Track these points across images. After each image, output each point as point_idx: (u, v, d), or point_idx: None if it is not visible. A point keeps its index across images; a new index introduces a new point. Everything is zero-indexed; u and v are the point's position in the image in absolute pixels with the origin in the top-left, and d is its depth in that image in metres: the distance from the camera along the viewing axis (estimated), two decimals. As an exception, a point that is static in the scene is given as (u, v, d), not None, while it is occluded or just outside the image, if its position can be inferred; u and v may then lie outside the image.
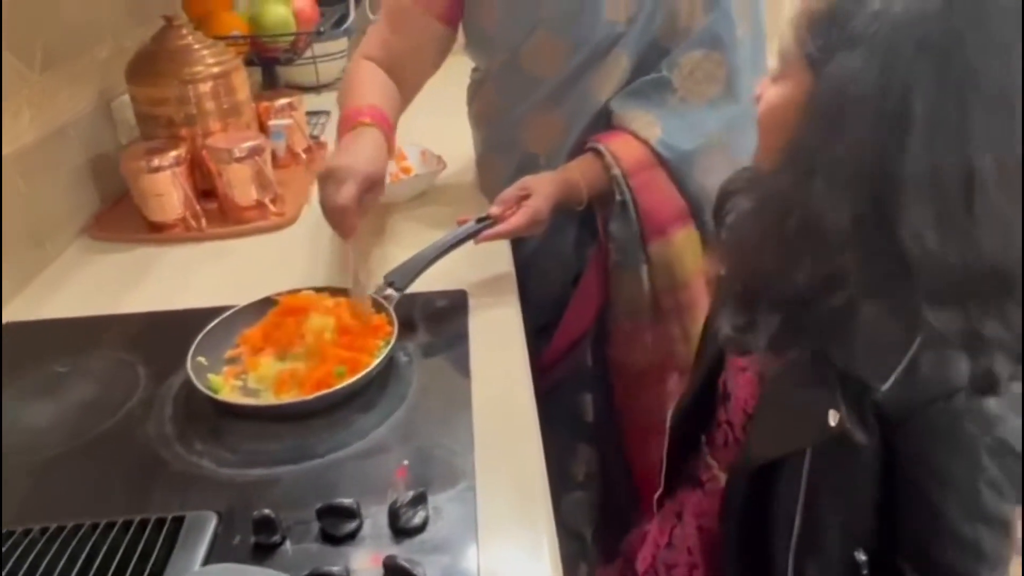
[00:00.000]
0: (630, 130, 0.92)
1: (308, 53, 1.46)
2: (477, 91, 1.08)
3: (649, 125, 0.92)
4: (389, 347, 0.71)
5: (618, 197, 0.92)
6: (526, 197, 0.87)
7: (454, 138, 1.17)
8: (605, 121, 0.95)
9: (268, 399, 0.70)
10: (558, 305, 1.06)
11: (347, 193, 0.76)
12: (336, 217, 0.78)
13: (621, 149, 0.92)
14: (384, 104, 0.91)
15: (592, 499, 1.23)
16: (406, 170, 1.19)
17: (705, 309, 0.99)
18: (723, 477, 0.73)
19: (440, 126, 1.19)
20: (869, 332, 0.54)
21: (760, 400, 0.66)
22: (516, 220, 0.86)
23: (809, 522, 0.60)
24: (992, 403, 0.56)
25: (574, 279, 1.05)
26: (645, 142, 0.91)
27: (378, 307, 0.78)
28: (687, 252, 0.95)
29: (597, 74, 0.94)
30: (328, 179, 0.78)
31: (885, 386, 0.54)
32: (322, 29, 1.44)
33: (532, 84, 0.97)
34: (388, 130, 0.88)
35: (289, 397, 0.69)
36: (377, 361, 0.70)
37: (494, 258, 0.95)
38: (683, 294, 0.96)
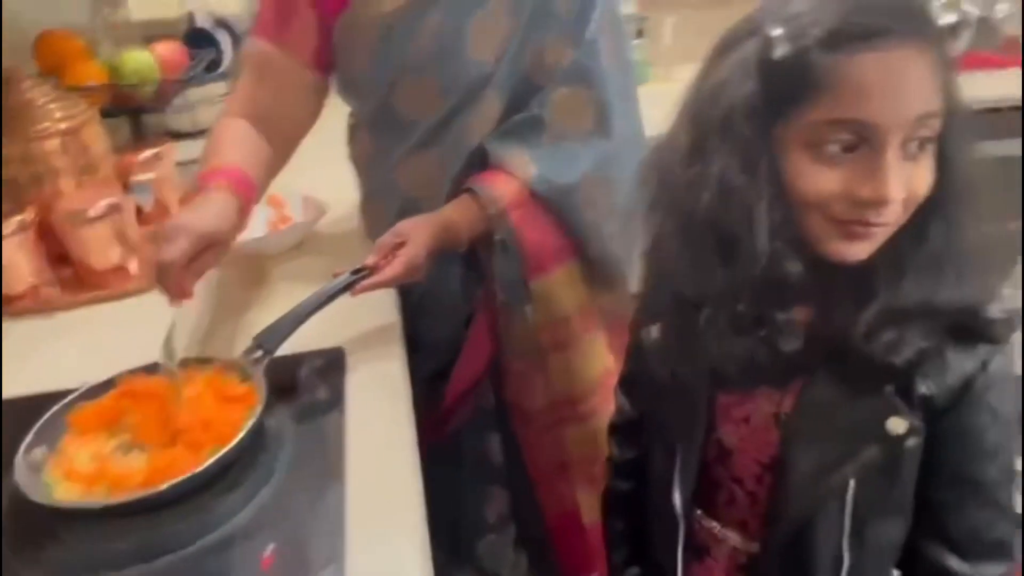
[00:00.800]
0: (506, 169, 0.91)
1: (181, 99, 1.39)
2: (354, 135, 1.05)
3: (524, 163, 0.91)
4: (253, 419, 0.66)
5: (498, 236, 0.90)
6: (402, 244, 0.84)
7: (341, 181, 1.13)
8: (482, 161, 0.94)
9: (109, 496, 0.62)
10: (453, 348, 1.03)
11: (175, 250, 0.71)
12: (160, 276, 0.73)
13: (498, 188, 0.90)
14: (247, 163, 0.87)
15: (507, 540, 1.21)
16: (285, 219, 1.13)
17: (586, 346, 0.99)
18: (734, 536, 0.68)
19: (326, 169, 1.15)
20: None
21: (786, 440, 0.61)
22: (392, 269, 0.82)
23: (858, 551, 0.60)
24: (1015, 367, 0.59)
25: (467, 321, 1.02)
26: (521, 180, 0.90)
27: (245, 374, 0.73)
28: (567, 288, 0.95)
29: (470, 115, 0.92)
30: (159, 236, 0.73)
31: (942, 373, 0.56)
32: (192, 74, 1.37)
33: (406, 128, 0.95)
34: (245, 190, 0.84)
35: (135, 490, 0.62)
36: (238, 438, 0.64)
37: (377, 308, 0.91)
38: (562, 331, 0.95)
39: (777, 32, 0.52)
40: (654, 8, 2.01)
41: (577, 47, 0.89)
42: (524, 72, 0.91)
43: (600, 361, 1.02)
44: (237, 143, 0.90)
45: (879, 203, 0.51)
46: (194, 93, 1.46)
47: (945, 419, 0.58)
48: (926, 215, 0.55)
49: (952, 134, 0.54)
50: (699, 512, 0.69)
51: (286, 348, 0.77)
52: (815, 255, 0.55)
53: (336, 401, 0.74)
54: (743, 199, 0.54)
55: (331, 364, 0.80)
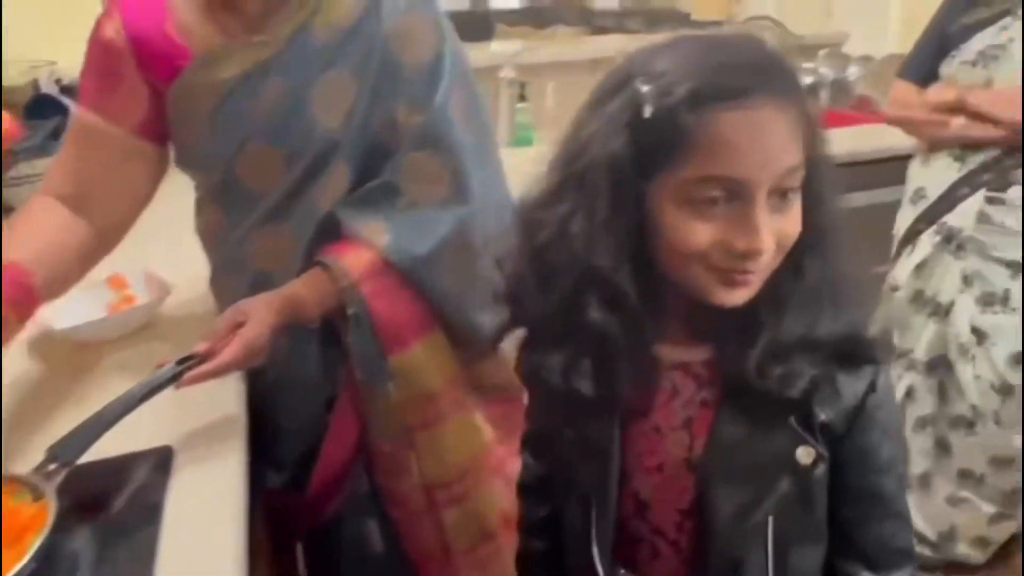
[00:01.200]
0: (359, 239, 0.86)
1: (14, 172, 1.27)
2: (200, 207, 0.98)
3: (378, 232, 0.86)
4: (36, 545, 0.56)
5: (351, 311, 0.84)
6: (240, 325, 0.77)
7: (189, 257, 1.04)
8: (336, 232, 0.88)
9: None
10: (316, 432, 0.95)
11: None
12: None
13: (349, 260, 0.85)
14: (39, 258, 0.78)
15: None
16: (129, 299, 1.03)
17: (457, 422, 0.94)
18: None
19: (172, 243, 1.06)
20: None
21: (702, 483, 0.62)
22: (227, 354, 0.74)
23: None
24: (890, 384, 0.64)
25: (328, 402, 0.95)
26: (375, 250, 0.85)
27: (37, 491, 0.62)
28: (431, 362, 0.89)
29: (319, 184, 0.87)
30: None
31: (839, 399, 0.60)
32: (28, 145, 1.26)
33: (252, 199, 0.89)
34: (21, 295, 0.75)
35: None
36: (16, 569, 0.54)
37: (218, 398, 0.82)
38: (428, 408, 0.90)
39: (645, 90, 0.53)
40: (534, 73, 2.06)
41: (427, 111, 0.86)
42: (374, 138, 0.87)
43: (474, 437, 0.97)
44: (34, 233, 0.81)
45: (753, 254, 0.54)
46: (37, 164, 1.35)
47: (844, 442, 0.61)
48: (801, 255, 0.58)
49: (820, 181, 0.58)
50: (623, 572, 0.67)
51: (104, 449, 0.67)
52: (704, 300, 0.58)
53: (152, 514, 0.64)
54: (574, 246, 0.57)
55: (155, 467, 0.70)
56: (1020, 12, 1.25)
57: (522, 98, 2.00)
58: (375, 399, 0.89)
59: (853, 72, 2.37)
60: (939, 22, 1.39)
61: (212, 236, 0.96)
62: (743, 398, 0.60)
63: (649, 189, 0.55)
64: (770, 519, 0.60)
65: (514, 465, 1.07)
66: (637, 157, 0.54)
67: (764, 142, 0.53)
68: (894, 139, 1.97)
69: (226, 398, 0.83)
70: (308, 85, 0.84)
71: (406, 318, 0.87)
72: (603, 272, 0.57)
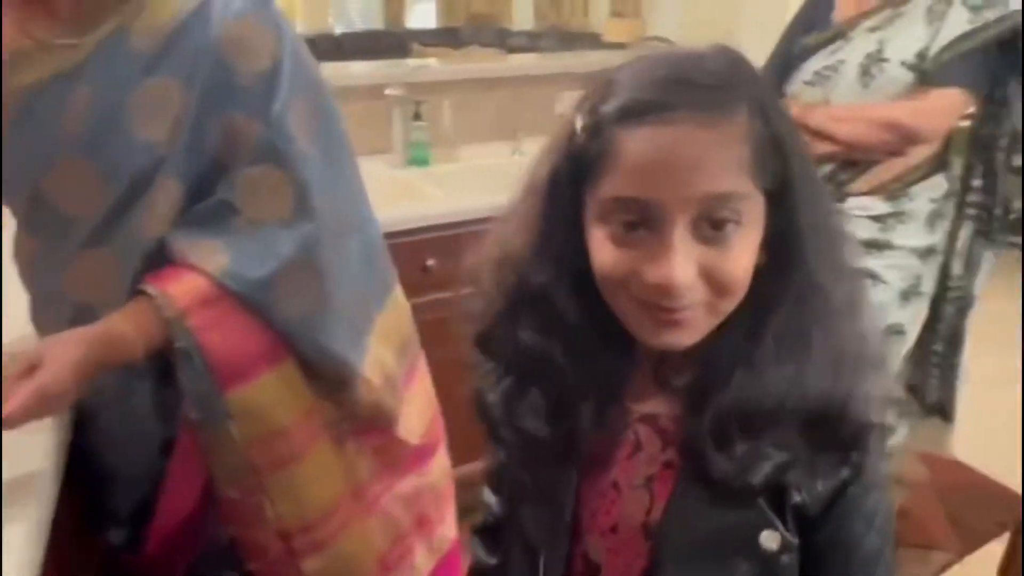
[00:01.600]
0: (190, 264, 0.78)
1: None
2: (17, 234, 0.87)
3: (212, 255, 0.78)
4: None
5: (178, 344, 0.76)
6: (35, 368, 0.67)
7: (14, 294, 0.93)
8: (165, 258, 0.79)
9: None
10: (155, 481, 0.85)
11: None
12: None
13: (175, 288, 0.76)
14: None
15: None
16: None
17: (315, 460, 0.86)
18: None
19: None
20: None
21: (656, 553, 0.56)
22: (15, 404, 0.64)
23: None
24: (881, 469, 0.56)
25: (164, 446, 0.85)
26: (207, 275, 0.77)
27: None
28: (280, 395, 0.81)
29: (143, 204, 0.78)
30: None
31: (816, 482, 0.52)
32: None
33: (67, 222, 0.79)
34: None
35: None
36: None
37: (22, 452, 0.71)
38: (281, 446, 0.81)
39: (585, 106, 0.51)
40: (428, 91, 2.01)
41: (264, 122, 0.79)
42: (208, 152, 0.79)
43: (337, 474, 0.89)
44: None
45: (665, 286, 0.47)
46: None
47: (819, 530, 0.54)
48: (763, 306, 0.51)
49: (789, 218, 0.50)
50: None
51: None
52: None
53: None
54: (517, 268, 0.55)
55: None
56: (852, 35, 1.31)
57: (417, 116, 1.94)
58: (216, 441, 0.80)
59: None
60: (784, 43, 1.44)
61: (26, 267, 0.85)
62: (702, 466, 0.53)
63: (583, 208, 0.52)
64: None
65: (395, 501, 1.00)
66: (571, 174, 0.51)
67: (677, 163, 0.46)
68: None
69: (28, 453, 0.72)
70: (124, 93, 0.76)
71: (246, 349, 0.79)
72: (536, 290, 0.53)
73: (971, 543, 1.73)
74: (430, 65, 2.16)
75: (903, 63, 1.25)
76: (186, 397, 0.79)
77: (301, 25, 7.92)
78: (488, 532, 0.73)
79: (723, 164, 0.47)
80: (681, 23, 5.11)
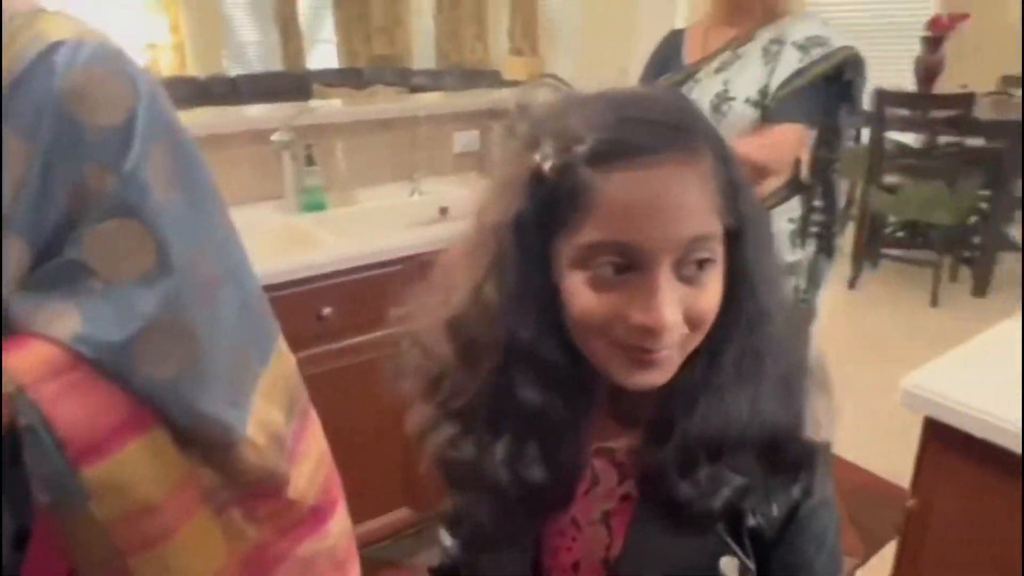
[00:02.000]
0: (35, 331, 0.71)
1: None
2: None
3: (61, 319, 0.71)
4: None
5: (23, 421, 0.69)
6: None
7: None
8: (12, 326, 0.72)
9: None
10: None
11: None
12: None
13: (17, 359, 0.69)
14: None
15: None
16: None
17: (192, 534, 0.79)
18: None
19: None
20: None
21: None
22: None
23: None
24: (828, 492, 0.58)
25: (18, 539, 0.76)
26: (56, 342, 0.70)
27: None
28: (148, 467, 0.75)
29: (-20, 267, 0.71)
30: None
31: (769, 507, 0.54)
32: None
33: None
34: None
35: None
36: None
37: None
38: (150, 523, 0.75)
39: (548, 147, 0.49)
40: (324, 133, 1.97)
41: (118, 176, 0.74)
42: (58, 211, 0.73)
43: (219, 548, 0.82)
44: None
45: (654, 329, 0.48)
46: None
47: (774, 551, 0.56)
48: (720, 337, 0.53)
49: (744, 253, 0.52)
50: None
51: None
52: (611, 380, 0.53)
53: None
54: (490, 315, 0.53)
55: None
56: (700, 77, 1.41)
57: (309, 160, 1.90)
58: (75, 526, 0.72)
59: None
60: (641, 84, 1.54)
61: None
62: (665, 498, 0.54)
63: (553, 253, 0.51)
64: None
65: (291, 569, 0.94)
66: (539, 218, 0.50)
67: (665, 207, 0.47)
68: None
69: None
70: None
71: (104, 420, 0.72)
72: (525, 344, 0.52)
73: (871, 546, 1.80)
74: (323, 107, 2.14)
75: (747, 100, 1.36)
76: (35, 479, 0.72)
77: (192, 67, 7.74)
78: (444, 574, 0.72)
79: (702, 205, 0.49)
80: (577, 62, 5.31)
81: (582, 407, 0.56)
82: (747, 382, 0.53)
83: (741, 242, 0.52)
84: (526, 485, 0.55)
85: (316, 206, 1.90)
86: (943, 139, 3.34)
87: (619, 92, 0.53)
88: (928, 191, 3.26)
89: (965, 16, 3.42)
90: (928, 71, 3.48)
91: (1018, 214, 3.54)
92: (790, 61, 1.34)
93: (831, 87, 1.36)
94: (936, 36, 3.42)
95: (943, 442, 0.97)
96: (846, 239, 3.66)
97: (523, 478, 0.55)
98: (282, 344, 0.96)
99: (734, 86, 1.38)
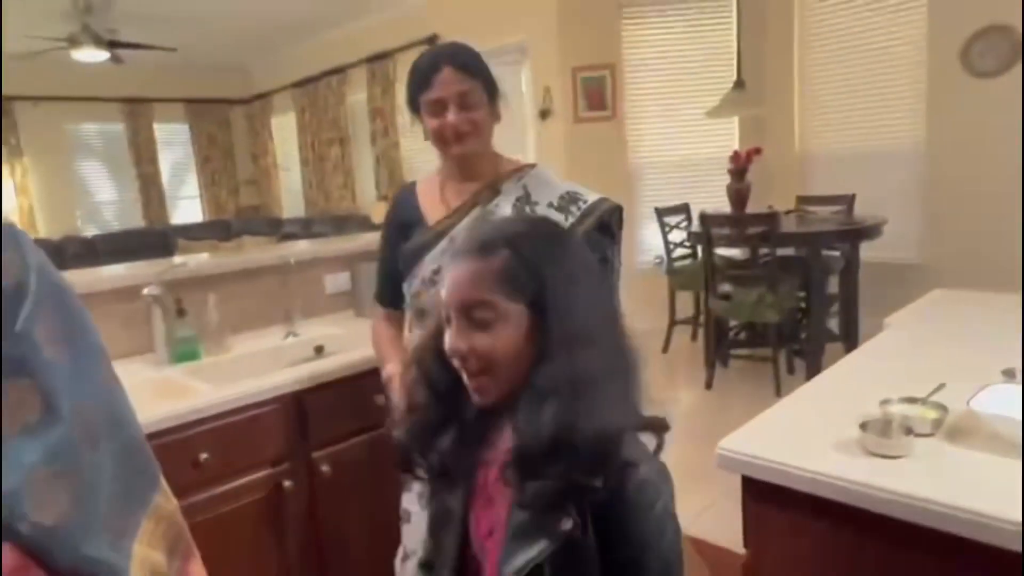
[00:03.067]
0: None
1: None
2: None
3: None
4: None
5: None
6: None
7: None
8: None
9: None
10: None
11: None
12: None
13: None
14: None
15: None
16: None
17: None
18: None
19: None
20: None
21: (507, 541, 0.87)
22: None
23: None
24: (653, 474, 0.86)
25: None
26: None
27: None
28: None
29: None
30: None
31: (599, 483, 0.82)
32: None
33: None
34: None
35: None
36: None
37: None
38: None
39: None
40: (192, 286, 2.03)
41: (9, 339, 0.80)
42: None
43: None
44: None
45: (450, 351, 0.91)
46: None
47: (606, 521, 0.83)
48: (535, 372, 0.86)
49: (546, 312, 0.87)
50: None
51: None
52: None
53: None
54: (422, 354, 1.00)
55: None
56: (452, 236, 1.42)
57: (180, 313, 1.94)
58: None
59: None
60: (386, 252, 1.55)
61: None
62: (519, 481, 0.85)
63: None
64: (546, 569, 0.83)
65: None
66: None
67: (453, 282, 0.90)
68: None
69: None
70: None
71: (-11, 574, 0.74)
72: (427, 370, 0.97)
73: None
74: (191, 260, 2.20)
75: None
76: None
77: (44, 229, 7.44)
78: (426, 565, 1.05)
79: (480, 284, 0.88)
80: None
81: (459, 411, 0.94)
82: (558, 400, 0.83)
83: (542, 309, 0.87)
84: (457, 476, 0.94)
85: (189, 356, 1.92)
86: (761, 251, 3.88)
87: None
88: (755, 296, 3.73)
89: (758, 150, 4.10)
90: (739, 196, 4.08)
91: (834, 309, 4.10)
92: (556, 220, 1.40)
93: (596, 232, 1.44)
94: (739, 168, 4.05)
95: (759, 495, 1.14)
96: (699, 345, 4.07)
97: (452, 471, 0.95)
98: (164, 485, 0.99)
99: None
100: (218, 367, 1.91)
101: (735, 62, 4.08)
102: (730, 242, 3.86)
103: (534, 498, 0.83)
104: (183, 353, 1.92)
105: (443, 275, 1.37)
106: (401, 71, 6.13)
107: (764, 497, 1.14)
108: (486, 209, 1.45)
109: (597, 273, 1.00)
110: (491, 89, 1.46)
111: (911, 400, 1.22)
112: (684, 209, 4.60)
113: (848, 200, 4.12)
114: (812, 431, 1.20)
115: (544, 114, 4.74)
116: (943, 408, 1.18)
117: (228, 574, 1.02)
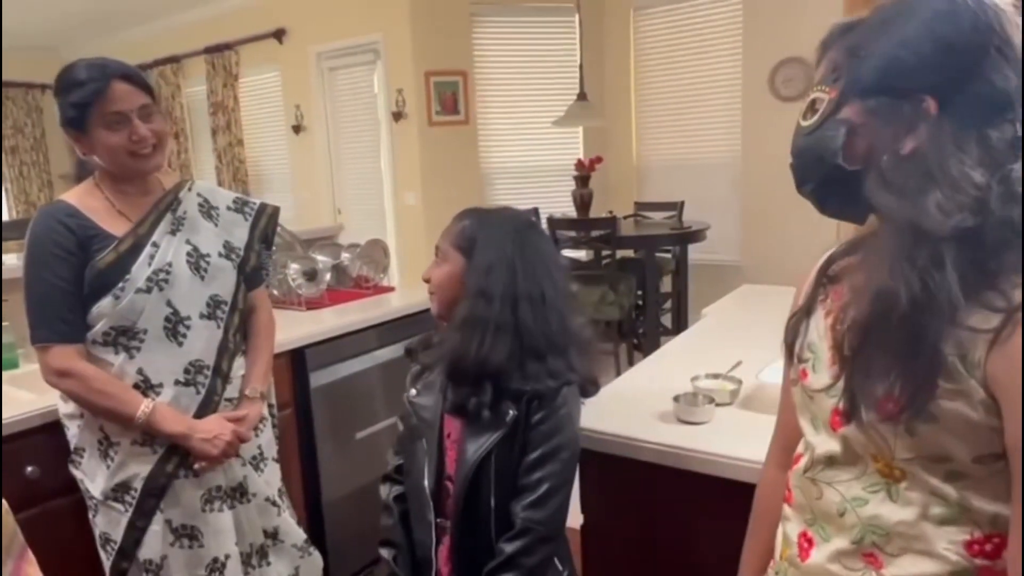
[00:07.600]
0: None
1: None
2: None
3: None
4: None
5: None
6: None
7: None
8: None
9: None
10: None
11: None
12: None
13: None
14: None
15: None
16: None
17: None
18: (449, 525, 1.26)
19: None
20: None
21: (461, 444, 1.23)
22: None
23: (499, 496, 1.20)
24: (566, 390, 1.20)
25: None
26: None
27: None
28: None
29: None
30: None
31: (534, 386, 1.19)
32: None
33: None
34: None
35: None
36: None
37: None
38: None
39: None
40: (8, 290, 1.88)
41: None
42: None
43: None
44: None
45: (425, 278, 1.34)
46: None
47: (536, 412, 1.18)
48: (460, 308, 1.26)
49: (470, 268, 1.25)
50: (438, 520, 1.27)
51: None
52: None
53: None
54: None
55: None
56: (158, 242, 1.45)
57: (-1, 317, 1.79)
58: None
59: (346, 257, 2.78)
60: (62, 276, 1.39)
61: None
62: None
63: None
64: (493, 456, 1.18)
65: None
66: None
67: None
68: (400, 302, 2.35)
69: None
70: None
71: None
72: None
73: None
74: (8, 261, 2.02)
75: (220, 255, 1.52)
76: None
77: None
78: (391, 478, 1.38)
79: (449, 244, 1.28)
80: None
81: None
82: (475, 331, 1.17)
83: (470, 262, 1.23)
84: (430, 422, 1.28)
85: (9, 364, 1.78)
86: (603, 252, 4.16)
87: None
88: (598, 294, 4.00)
89: (600, 159, 4.40)
90: (583, 201, 4.35)
91: (667, 306, 4.48)
92: (236, 221, 1.57)
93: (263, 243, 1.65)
94: (583, 175, 4.33)
95: (595, 465, 1.29)
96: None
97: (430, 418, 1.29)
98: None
99: (202, 245, 1.49)
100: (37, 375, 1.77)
101: (579, 75, 4.35)
102: (575, 244, 4.10)
103: (466, 398, 1.20)
104: (6, 360, 1.77)
105: (172, 277, 1.43)
106: (245, 64, 5.87)
107: (599, 466, 1.28)
108: (176, 215, 1.49)
109: (545, 262, 1.25)
110: (158, 105, 1.50)
111: (715, 376, 1.42)
112: (534, 213, 4.78)
113: (678, 206, 4.52)
114: (636, 405, 1.37)
115: (397, 116, 4.76)
116: (739, 381, 1.39)
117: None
